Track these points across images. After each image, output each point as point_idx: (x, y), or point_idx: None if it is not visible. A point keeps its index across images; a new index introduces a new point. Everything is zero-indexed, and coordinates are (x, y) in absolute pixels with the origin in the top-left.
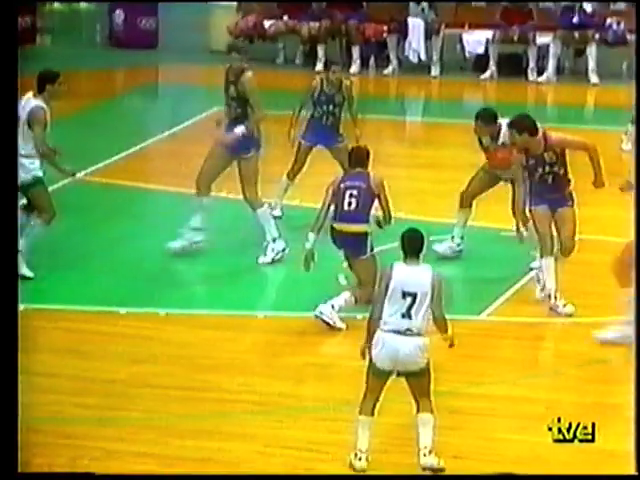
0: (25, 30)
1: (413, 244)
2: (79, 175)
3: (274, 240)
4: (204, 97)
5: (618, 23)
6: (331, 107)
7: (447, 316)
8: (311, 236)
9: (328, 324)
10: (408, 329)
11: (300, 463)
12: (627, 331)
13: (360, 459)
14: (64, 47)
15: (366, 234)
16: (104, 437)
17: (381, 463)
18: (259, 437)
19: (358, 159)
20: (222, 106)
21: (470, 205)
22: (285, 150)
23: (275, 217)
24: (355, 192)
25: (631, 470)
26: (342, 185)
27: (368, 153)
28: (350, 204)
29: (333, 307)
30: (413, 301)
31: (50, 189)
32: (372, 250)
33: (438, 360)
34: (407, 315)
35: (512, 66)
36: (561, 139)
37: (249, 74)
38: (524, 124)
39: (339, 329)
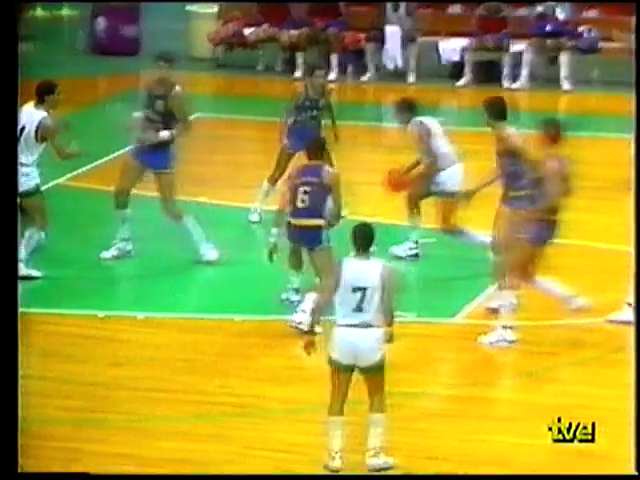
0: None
1: (363, 239)
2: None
3: (203, 241)
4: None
5: (590, 31)
6: (315, 112)
7: (422, 318)
8: (274, 230)
9: (305, 330)
10: (362, 322)
11: (278, 465)
12: (508, 336)
13: (334, 459)
14: (46, 54)
15: (320, 227)
16: (83, 439)
17: (357, 463)
18: (237, 439)
19: (315, 150)
20: (204, 112)
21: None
22: (265, 155)
23: (253, 222)
24: (309, 188)
25: (631, 470)
26: (297, 181)
27: (325, 143)
28: (304, 201)
29: (305, 312)
30: (363, 295)
31: None
32: (328, 242)
33: (413, 362)
34: (359, 309)
35: (487, 73)
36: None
37: (179, 89)
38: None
39: (318, 333)
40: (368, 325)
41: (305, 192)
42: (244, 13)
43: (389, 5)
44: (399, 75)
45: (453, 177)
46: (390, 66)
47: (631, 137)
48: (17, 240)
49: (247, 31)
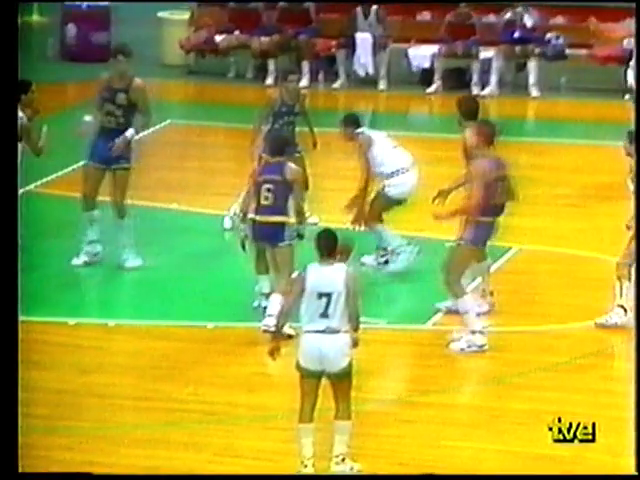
0: None
1: (326, 244)
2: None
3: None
4: (156, 110)
5: (557, 38)
6: (291, 118)
7: (394, 325)
8: (242, 226)
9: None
10: (328, 327)
11: (250, 472)
12: (478, 340)
13: (306, 466)
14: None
15: (283, 224)
16: (53, 446)
17: (329, 470)
18: (209, 446)
19: (277, 147)
20: (175, 119)
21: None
22: (236, 162)
23: (225, 229)
24: (271, 186)
25: (631, 470)
26: (259, 178)
27: (287, 140)
28: (267, 198)
29: (272, 316)
30: (329, 301)
31: None
32: (291, 240)
33: (384, 369)
34: (325, 315)
35: (457, 80)
36: None
37: (140, 80)
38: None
39: (290, 336)
40: (334, 331)
41: (268, 190)
42: (215, 20)
43: (360, 12)
44: (370, 82)
45: (402, 185)
46: (361, 73)
47: (601, 143)
48: (17, 250)
49: (218, 38)
